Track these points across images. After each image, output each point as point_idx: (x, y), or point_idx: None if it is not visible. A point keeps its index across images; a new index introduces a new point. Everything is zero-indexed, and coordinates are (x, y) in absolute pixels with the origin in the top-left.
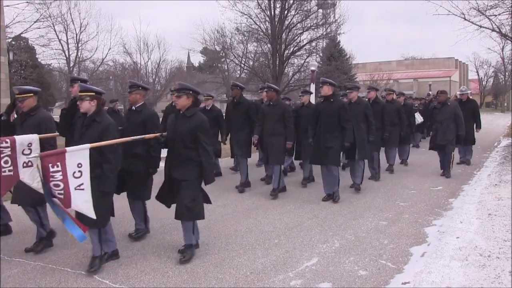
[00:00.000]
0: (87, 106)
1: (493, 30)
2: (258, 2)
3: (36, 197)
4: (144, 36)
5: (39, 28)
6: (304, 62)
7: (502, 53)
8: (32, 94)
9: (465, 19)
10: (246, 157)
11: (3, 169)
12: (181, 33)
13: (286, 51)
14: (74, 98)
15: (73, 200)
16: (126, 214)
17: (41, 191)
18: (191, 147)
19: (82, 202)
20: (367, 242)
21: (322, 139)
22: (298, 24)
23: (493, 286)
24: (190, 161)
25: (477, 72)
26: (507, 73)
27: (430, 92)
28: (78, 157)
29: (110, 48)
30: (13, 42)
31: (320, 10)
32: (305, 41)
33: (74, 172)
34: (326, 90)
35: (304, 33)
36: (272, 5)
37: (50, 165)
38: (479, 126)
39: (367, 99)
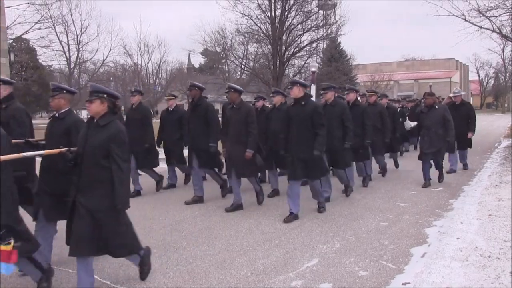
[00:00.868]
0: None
1: (493, 31)
2: (258, 3)
3: None
4: (144, 37)
5: (40, 29)
6: (305, 63)
7: (503, 54)
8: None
9: (465, 20)
10: (209, 168)
11: None
12: (181, 34)
13: (287, 52)
14: None
15: None
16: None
17: None
18: (103, 165)
19: None
20: (368, 242)
21: (294, 149)
22: (299, 25)
23: (494, 286)
24: (101, 184)
25: (477, 73)
26: (507, 74)
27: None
28: None
29: (110, 49)
30: (14, 43)
31: (321, 11)
32: (305, 42)
33: None
34: (296, 92)
35: (305, 34)
36: (272, 6)
37: None
38: (471, 130)
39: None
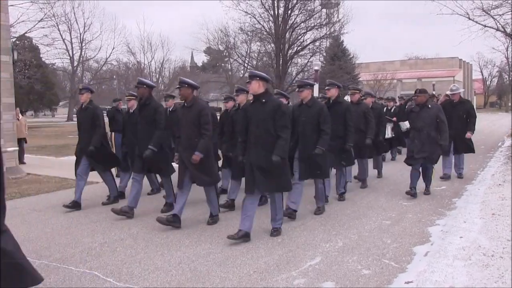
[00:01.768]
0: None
1: (497, 29)
2: (261, 1)
3: None
4: (148, 36)
5: (43, 27)
6: (308, 61)
7: (507, 53)
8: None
9: (469, 19)
10: (164, 176)
11: None
12: (184, 32)
13: (290, 51)
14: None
15: None
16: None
17: None
18: None
19: None
20: (371, 241)
21: (251, 156)
22: (302, 24)
23: (497, 285)
24: None
25: (481, 71)
26: (511, 73)
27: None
28: None
29: (113, 48)
30: (17, 42)
31: (324, 10)
32: (308, 41)
33: None
34: (255, 87)
35: (308, 32)
36: (275, 5)
37: None
38: (471, 129)
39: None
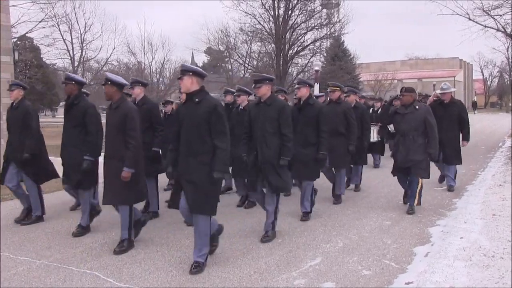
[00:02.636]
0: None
1: (498, 30)
2: (262, 2)
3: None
4: (148, 36)
5: (44, 27)
6: (308, 62)
7: (507, 53)
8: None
9: (469, 19)
10: (79, 188)
11: None
12: (185, 33)
13: (290, 51)
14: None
15: None
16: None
17: None
18: None
19: None
20: (371, 242)
21: (180, 168)
22: (302, 24)
23: (497, 286)
24: None
25: (481, 72)
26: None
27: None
28: None
29: (114, 48)
30: (18, 42)
31: (324, 10)
32: (309, 41)
33: None
34: (188, 84)
35: (308, 33)
36: (276, 5)
37: None
38: (466, 138)
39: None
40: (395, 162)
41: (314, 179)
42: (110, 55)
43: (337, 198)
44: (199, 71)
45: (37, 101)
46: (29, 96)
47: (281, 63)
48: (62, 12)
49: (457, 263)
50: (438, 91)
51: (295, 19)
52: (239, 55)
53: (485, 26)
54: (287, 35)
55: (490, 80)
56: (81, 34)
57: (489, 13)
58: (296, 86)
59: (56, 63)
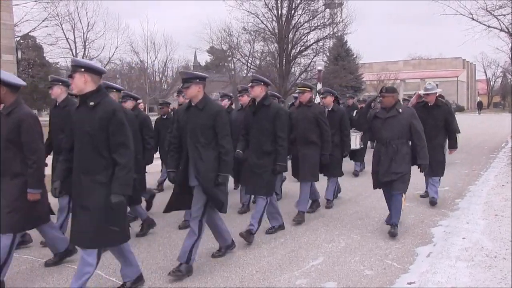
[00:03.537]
0: None
1: (501, 30)
2: (265, 1)
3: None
4: (151, 35)
5: (47, 26)
6: (311, 61)
7: (511, 53)
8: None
9: (473, 19)
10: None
11: None
12: (188, 32)
13: (293, 51)
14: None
15: None
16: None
17: None
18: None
19: None
20: (373, 242)
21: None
22: (305, 24)
23: (499, 287)
24: None
25: (485, 72)
26: None
27: (420, 92)
28: None
29: (117, 47)
30: (21, 41)
31: (327, 10)
32: (312, 41)
33: None
34: (79, 84)
35: (311, 32)
36: (279, 5)
37: None
38: (453, 146)
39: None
40: (373, 174)
41: (270, 194)
42: (113, 54)
43: (298, 215)
44: (93, 66)
45: (40, 100)
46: (32, 95)
47: (284, 62)
48: (65, 11)
49: (459, 263)
50: (421, 92)
51: (298, 19)
52: (242, 54)
53: (489, 26)
54: (290, 35)
55: (493, 80)
56: (83, 33)
57: (493, 13)
58: (249, 84)
59: (59, 62)
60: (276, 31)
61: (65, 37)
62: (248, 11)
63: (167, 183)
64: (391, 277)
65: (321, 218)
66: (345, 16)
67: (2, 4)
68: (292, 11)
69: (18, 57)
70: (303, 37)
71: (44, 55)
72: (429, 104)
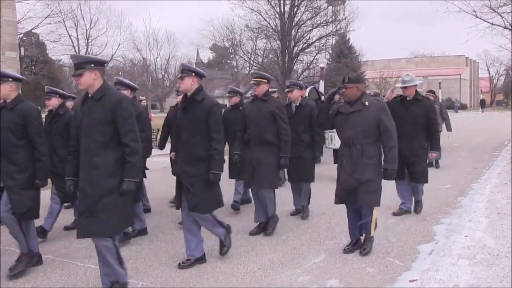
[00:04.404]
0: None
1: (505, 27)
2: None
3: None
4: (153, 33)
5: (50, 23)
6: (314, 59)
7: None
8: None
9: (476, 17)
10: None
11: None
12: (190, 30)
13: (295, 48)
14: None
15: None
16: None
17: None
18: None
19: None
20: (375, 239)
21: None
22: (308, 21)
23: (501, 285)
24: None
25: (488, 70)
26: None
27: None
28: None
29: (119, 44)
30: (24, 38)
31: (330, 7)
32: (314, 38)
33: None
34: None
35: (314, 30)
36: (281, 2)
37: None
38: (435, 148)
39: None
40: (337, 183)
41: (209, 210)
42: (116, 51)
43: (258, 227)
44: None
45: (42, 97)
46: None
47: (286, 60)
48: (67, 8)
49: (461, 261)
50: (398, 84)
51: (301, 16)
52: (244, 51)
53: (492, 24)
54: (293, 32)
55: (497, 78)
56: (86, 30)
57: (496, 10)
58: (179, 75)
59: (61, 59)
60: (279, 28)
61: (68, 34)
62: (251, 8)
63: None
64: (392, 274)
65: (323, 215)
66: (348, 13)
67: (5, 1)
68: (295, 8)
69: (21, 54)
70: (305, 34)
71: (47, 52)
72: (408, 99)
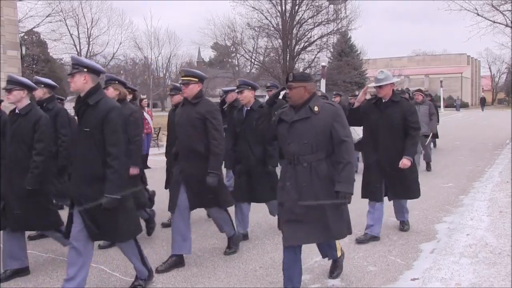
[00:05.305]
0: None
1: (506, 25)
2: None
3: None
4: (155, 31)
5: (51, 22)
6: (315, 57)
7: None
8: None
9: (478, 15)
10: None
11: None
12: (192, 28)
13: (297, 47)
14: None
15: None
16: None
17: None
18: None
19: None
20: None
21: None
22: (309, 20)
23: (503, 284)
24: None
25: (489, 68)
26: None
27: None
28: None
29: (121, 43)
30: (25, 37)
31: (331, 6)
32: (316, 37)
33: None
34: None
35: (315, 28)
36: (283, 0)
37: None
38: (408, 153)
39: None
40: (279, 209)
41: (122, 240)
42: (117, 50)
43: (233, 242)
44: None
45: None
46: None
47: (288, 58)
48: (69, 7)
49: (463, 260)
50: (371, 84)
51: (302, 15)
52: (246, 50)
53: (494, 22)
54: (294, 31)
55: (498, 76)
56: (87, 29)
57: (498, 8)
58: (71, 72)
59: (63, 58)
60: (280, 27)
61: (69, 33)
62: (252, 7)
63: None
64: (394, 273)
65: None
66: (349, 11)
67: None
68: (296, 7)
69: (22, 53)
70: (307, 33)
71: (48, 50)
72: (383, 101)
